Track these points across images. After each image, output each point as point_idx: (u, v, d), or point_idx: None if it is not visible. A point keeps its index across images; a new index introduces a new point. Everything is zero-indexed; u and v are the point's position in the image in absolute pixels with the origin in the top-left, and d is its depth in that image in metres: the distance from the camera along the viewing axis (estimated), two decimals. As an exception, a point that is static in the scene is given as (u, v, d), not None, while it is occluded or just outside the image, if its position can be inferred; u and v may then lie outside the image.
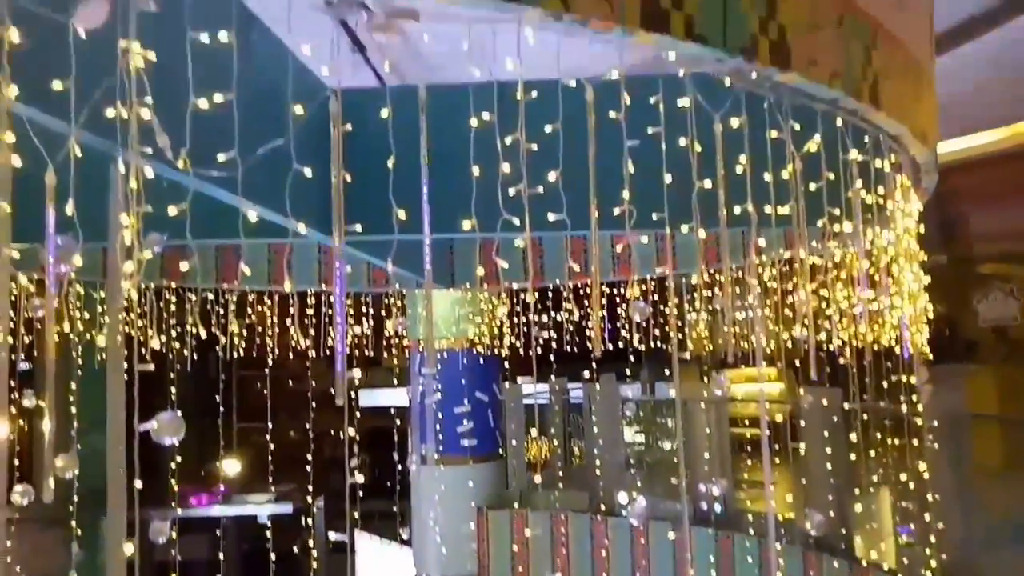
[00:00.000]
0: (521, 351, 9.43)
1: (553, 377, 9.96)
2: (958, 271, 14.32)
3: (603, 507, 8.90)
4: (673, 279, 5.23)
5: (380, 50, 4.61)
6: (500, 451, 9.84)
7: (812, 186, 3.29)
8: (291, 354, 8.25)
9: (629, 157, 2.85)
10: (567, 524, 9.01)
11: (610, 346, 8.98)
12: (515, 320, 8.97)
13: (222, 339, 7.36)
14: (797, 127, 3.03)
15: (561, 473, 10.11)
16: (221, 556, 10.83)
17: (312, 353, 8.07)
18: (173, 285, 6.65)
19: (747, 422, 11.84)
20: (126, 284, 2.34)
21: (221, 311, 7.27)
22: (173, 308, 7.19)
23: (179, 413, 2.00)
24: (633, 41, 2.51)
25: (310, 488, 9.47)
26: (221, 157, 2.45)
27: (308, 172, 2.94)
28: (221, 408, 8.25)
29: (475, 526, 9.34)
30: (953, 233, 14.20)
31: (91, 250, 2.65)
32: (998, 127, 12.52)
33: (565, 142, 3.16)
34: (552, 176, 3.12)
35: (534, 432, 12.74)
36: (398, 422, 9.49)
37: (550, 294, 8.75)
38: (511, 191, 3.00)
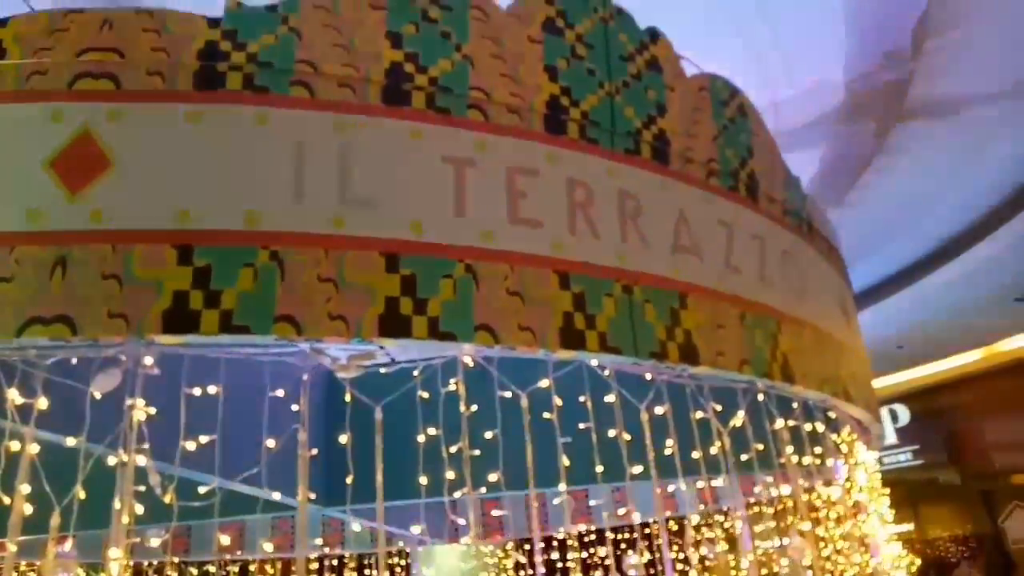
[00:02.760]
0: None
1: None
2: (976, 488, 14.00)
3: None
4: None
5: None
6: None
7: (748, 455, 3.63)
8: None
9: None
10: None
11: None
12: (520, 573, 8.80)
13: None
14: (719, 408, 3.44)
15: None
16: None
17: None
18: (175, 560, 6.77)
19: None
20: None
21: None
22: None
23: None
24: (556, 356, 3.02)
25: None
26: (202, 490, 2.86)
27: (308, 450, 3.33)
28: None
29: None
30: (965, 449, 14.11)
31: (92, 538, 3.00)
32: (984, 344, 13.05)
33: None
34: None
35: None
36: None
37: (555, 543, 8.68)
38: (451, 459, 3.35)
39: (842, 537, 4.44)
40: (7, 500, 2.31)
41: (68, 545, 2.50)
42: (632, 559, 3.85)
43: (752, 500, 5.00)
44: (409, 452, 3.84)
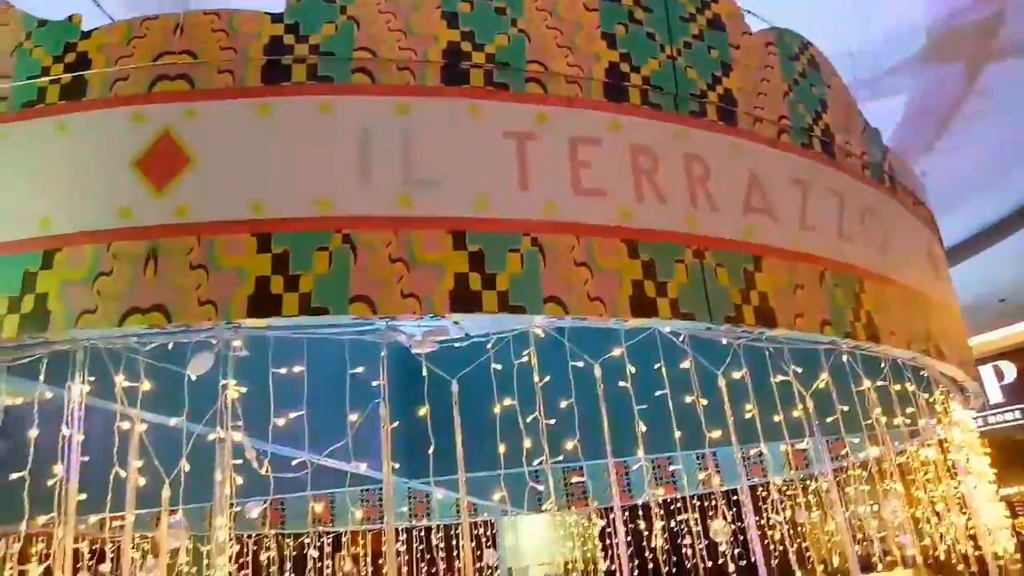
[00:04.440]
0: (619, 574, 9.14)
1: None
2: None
3: None
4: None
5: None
6: None
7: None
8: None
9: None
10: None
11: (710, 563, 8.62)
12: (607, 541, 8.85)
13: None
14: (800, 370, 3.36)
15: None
16: None
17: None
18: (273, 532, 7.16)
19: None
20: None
21: (316, 552, 7.66)
22: (272, 553, 7.64)
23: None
24: (628, 324, 3.01)
25: None
26: (293, 462, 3.02)
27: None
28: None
29: None
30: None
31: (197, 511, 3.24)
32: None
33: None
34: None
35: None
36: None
37: (640, 511, 8.68)
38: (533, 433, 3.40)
39: (938, 498, 4.27)
40: (123, 473, 2.52)
41: (178, 515, 2.69)
42: (717, 525, 3.83)
43: (841, 463, 4.87)
44: (486, 423, 3.92)
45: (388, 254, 2.70)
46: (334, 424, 3.43)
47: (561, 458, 4.24)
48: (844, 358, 3.52)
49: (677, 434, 3.26)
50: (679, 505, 8.76)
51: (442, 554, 8.29)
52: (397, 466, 2.74)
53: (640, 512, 9.14)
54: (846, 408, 3.51)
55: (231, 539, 2.85)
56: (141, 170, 2.75)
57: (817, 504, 7.25)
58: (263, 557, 7.84)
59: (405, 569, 8.21)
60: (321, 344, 3.10)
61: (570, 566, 9.18)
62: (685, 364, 3.27)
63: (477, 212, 2.84)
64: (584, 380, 3.49)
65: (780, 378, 3.34)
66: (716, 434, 3.24)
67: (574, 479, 7.62)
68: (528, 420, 3.60)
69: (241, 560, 7.68)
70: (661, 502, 8.76)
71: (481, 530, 8.53)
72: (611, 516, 8.69)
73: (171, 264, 2.61)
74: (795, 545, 8.80)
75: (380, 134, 2.86)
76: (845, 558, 4.12)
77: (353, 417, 3.34)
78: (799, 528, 8.58)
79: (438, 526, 8.15)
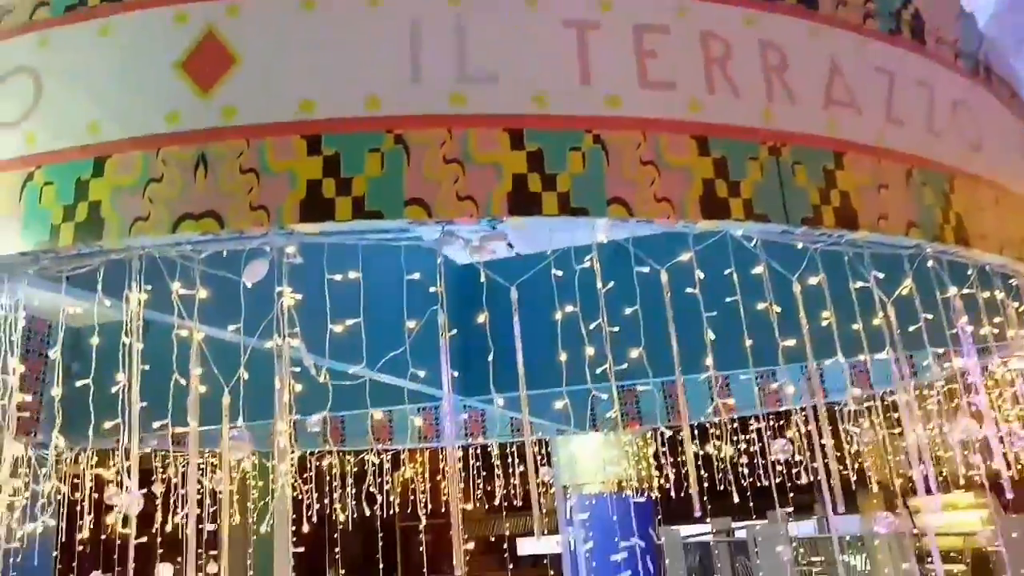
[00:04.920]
0: (672, 492, 9.21)
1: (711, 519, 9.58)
2: None
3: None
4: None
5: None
6: (662, 599, 9.40)
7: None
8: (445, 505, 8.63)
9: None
10: None
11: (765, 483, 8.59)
12: (662, 460, 8.87)
13: (380, 497, 7.91)
14: (882, 275, 3.14)
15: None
16: None
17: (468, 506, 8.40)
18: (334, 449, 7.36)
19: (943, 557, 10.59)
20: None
21: (377, 469, 7.89)
22: (335, 470, 7.90)
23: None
24: (697, 227, 2.83)
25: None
26: (351, 370, 2.98)
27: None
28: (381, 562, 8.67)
29: None
30: None
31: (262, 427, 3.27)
32: None
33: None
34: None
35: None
36: (551, 573, 9.42)
37: (695, 431, 8.64)
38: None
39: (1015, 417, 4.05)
40: (183, 382, 2.51)
41: (240, 426, 2.69)
42: (778, 445, 3.72)
43: (916, 379, 4.65)
44: (545, 339, 3.81)
45: (443, 154, 2.56)
46: (391, 336, 3.39)
47: (623, 369, 4.12)
48: (929, 263, 3.28)
49: (748, 342, 3.10)
50: (737, 426, 8.70)
51: (498, 471, 8.45)
52: (456, 375, 2.67)
53: (700, 431, 9.09)
54: (930, 316, 3.29)
55: (292, 448, 2.86)
56: (186, 72, 2.64)
57: (886, 423, 7.07)
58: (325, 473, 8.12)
59: (462, 486, 8.40)
60: (375, 253, 3.02)
61: (623, 484, 9.25)
62: (757, 269, 3.08)
63: (535, 109, 2.66)
64: (650, 289, 3.34)
65: (860, 284, 3.13)
66: (790, 343, 3.08)
67: (633, 399, 7.58)
68: (588, 330, 3.49)
69: (304, 475, 7.97)
70: (723, 421, 8.70)
71: (536, 448, 8.64)
72: (667, 436, 8.68)
73: (221, 169, 2.53)
74: (859, 464, 8.67)
75: (431, 27, 2.68)
76: (910, 479, 3.99)
77: (411, 324, 3.28)
78: (865, 448, 8.42)
79: (495, 443, 8.27)
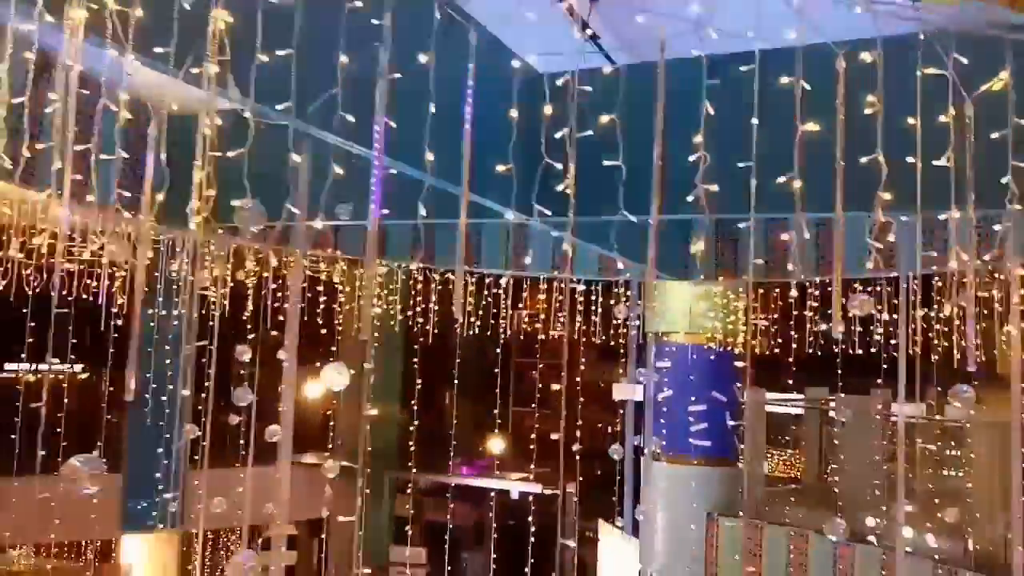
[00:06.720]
0: (768, 353, 8.82)
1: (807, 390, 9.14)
2: None
3: (852, 532, 8.00)
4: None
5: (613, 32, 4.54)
6: (735, 457, 9.27)
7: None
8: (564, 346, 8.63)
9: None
10: (808, 544, 8.27)
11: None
12: (750, 316, 8.39)
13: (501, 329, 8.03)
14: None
15: (805, 490, 9.31)
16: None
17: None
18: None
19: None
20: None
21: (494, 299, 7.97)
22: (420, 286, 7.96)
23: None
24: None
25: (561, 473, 9.79)
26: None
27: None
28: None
29: (704, 530, 8.95)
30: None
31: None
32: None
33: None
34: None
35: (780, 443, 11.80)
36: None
37: (794, 292, 8.02)
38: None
39: None
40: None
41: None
42: (857, 300, 3.17)
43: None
44: (640, 169, 3.30)
45: None
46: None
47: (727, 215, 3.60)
48: None
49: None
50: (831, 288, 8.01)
51: (580, 308, 8.25)
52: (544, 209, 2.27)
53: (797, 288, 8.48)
54: None
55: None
56: None
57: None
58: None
59: (543, 317, 8.29)
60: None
61: (709, 336, 8.87)
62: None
63: None
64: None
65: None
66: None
67: (729, 243, 7.04)
68: (689, 163, 2.97)
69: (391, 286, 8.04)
70: (817, 281, 8.05)
71: (621, 289, 8.34)
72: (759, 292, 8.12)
73: None
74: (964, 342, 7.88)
75: None
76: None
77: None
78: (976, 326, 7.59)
79: (579, 280, 8.02)
